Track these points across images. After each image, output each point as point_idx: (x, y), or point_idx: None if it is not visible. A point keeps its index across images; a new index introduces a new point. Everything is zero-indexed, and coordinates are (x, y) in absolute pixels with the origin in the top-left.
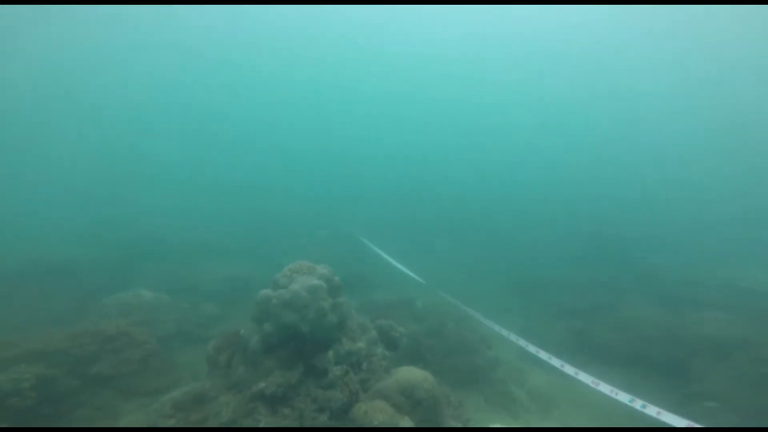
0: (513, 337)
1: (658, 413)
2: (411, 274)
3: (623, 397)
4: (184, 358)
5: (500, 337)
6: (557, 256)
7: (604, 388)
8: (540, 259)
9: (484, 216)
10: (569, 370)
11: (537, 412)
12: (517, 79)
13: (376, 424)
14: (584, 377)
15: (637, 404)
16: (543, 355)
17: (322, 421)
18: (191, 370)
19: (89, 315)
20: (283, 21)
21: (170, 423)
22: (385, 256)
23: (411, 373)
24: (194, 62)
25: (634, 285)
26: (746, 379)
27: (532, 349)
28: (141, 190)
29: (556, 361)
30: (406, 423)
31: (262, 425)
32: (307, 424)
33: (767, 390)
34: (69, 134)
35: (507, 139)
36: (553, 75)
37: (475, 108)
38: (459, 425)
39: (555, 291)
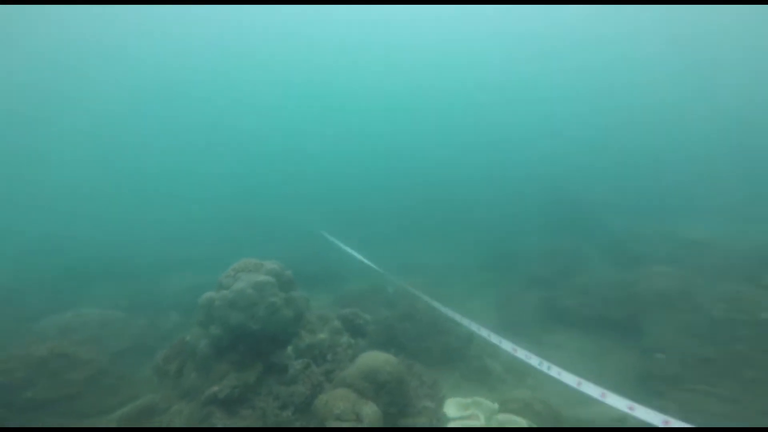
0: (473, 326)
1: (578, 383)
2: (368, 262)
3: (555, 371)
4: (143, 372)
5: (472, 313)
6: (526, 228)
7: (534, 360)
8: (510, 232)
9: (455, 198)
10: (507, 346)
11: (512, 382)
12: (482, 61)
13: (336, 412)
14: (521, 353)
15: (554, 371)
16: (486, 333)
17: (286, 417)
18: (151, 385)
19: (21, 341)
20: (252, 23)
21: None
22: (345, 247)
23: (373, 358)
24: (162, 70)
25: (594, 248)
26: (688, 327)
27: (484, 332)
28: (106, 202)
29: (495, 338)
30: (370, 408)
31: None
32: (271, 421)
33: (705, 337)
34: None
35: (471, 120)
36: (519, 54)
37: (443, 94)
38: (433, 404)
39: (525, 262)
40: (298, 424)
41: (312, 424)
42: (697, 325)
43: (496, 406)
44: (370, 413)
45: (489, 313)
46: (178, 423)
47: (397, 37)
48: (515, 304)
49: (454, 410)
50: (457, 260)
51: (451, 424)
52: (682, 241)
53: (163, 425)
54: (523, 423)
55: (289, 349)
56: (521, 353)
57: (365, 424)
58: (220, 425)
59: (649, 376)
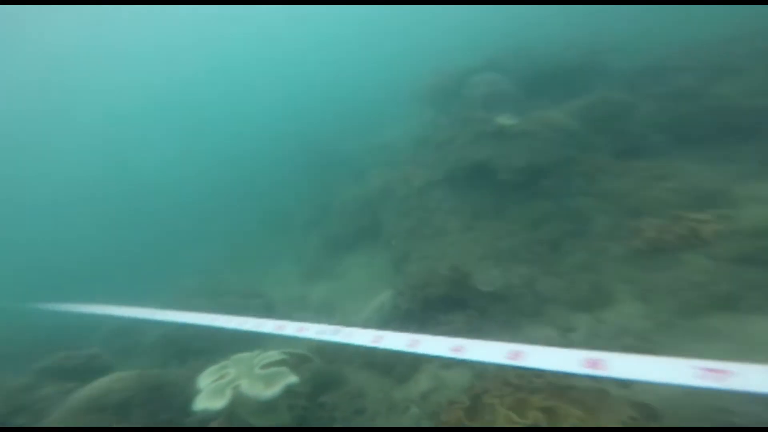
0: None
1: (300, 329)
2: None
3: (292, 329)
4: None
5: (278, 283)
6: (290, 185)
7: (291, 328)
8: (280, 194)
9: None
10: (231, 323)
11: (326, 321)
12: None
13: None
14: (269, 326)
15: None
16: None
17: None
18: None
19: None
20: None
21: None
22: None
23: (90, 389)
24: None
25: (337, 175)
26: (395, 210)
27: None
28: None
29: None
30: None
31: None
32: None
33: (404, 213)
34: None
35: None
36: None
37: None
38: None
39: (299, 213)
40: None
41: None
42: (398, 207)
43: (256, 352)
44: None
45: (292, 273)
46: None
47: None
48: (307, 254)
49: (206, 380)
50: (248, 241)
51: (202, 395)
52: (380, 147)
53: None
54: (276, 355)
55: None
56: (291, 328)
57: None
58: None
59: (396, 261)
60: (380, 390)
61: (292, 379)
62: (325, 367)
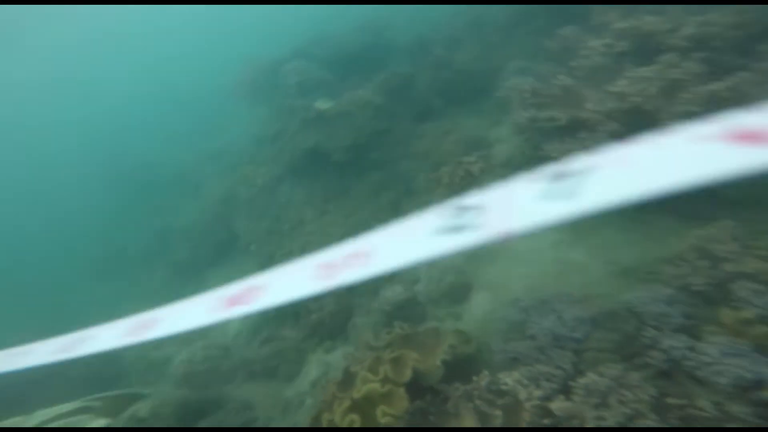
0: None
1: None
2: None
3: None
4: None
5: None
6: (112, 218)
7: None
8: (98, 230)
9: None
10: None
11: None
12: None
13: None
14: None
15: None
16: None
17: None
18: None
19: None
20: None
21: None
22: None
23: None
24: None
25: (172, 193)
26: (252, 214)
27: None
28: None
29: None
30: None
31: None
32: None
33: (261, 217)
34: None
35: None
36: None
37: None
38: None
39: (136, 248)
40: None
41: None
42: (249, 211)
43: (40, 412)
44: None
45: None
46: None
47: None
48: (156, 288)
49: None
50: (70, 294)
51: None
52: (215, 154)
53: None
54: (72, 405)
55: None
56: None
57: None
58: None
59: (262, 265)
60: (268, 395)
61: (98, 422)
62: (196, 394)
